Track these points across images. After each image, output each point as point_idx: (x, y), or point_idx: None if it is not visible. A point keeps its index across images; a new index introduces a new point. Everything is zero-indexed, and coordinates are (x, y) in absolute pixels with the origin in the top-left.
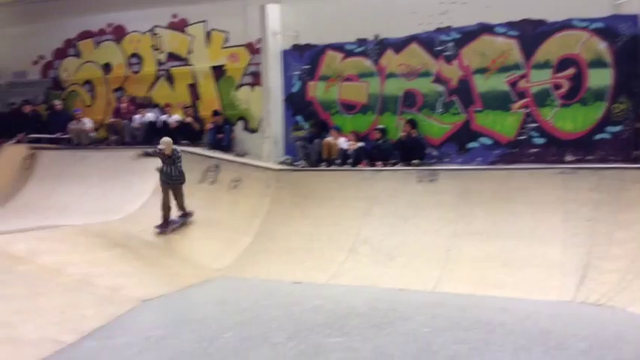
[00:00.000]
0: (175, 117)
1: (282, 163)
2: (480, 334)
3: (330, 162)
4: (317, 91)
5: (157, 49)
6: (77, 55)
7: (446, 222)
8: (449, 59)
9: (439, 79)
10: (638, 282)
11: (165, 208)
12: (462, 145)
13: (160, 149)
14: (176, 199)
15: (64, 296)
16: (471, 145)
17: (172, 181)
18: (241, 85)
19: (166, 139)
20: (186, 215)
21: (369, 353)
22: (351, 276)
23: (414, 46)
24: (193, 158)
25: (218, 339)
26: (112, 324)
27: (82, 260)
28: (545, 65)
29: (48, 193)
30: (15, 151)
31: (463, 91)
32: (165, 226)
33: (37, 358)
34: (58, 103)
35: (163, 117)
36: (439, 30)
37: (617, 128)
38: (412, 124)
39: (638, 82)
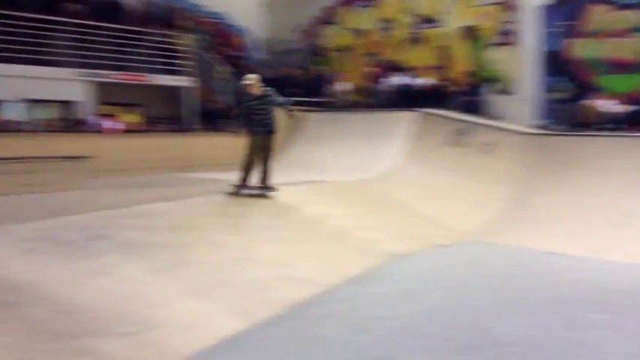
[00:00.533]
0: (420, 80)
1: (537, 127)
2: None
3: (591, 126)
4: (579, 49)
5: (408, 12)
6: (334, 22)
7: None
8: None
9: None
10: None
11: (247, 167)
12: None
13: (245, 86)
14: (263, 155)
15: (327, 244)
16: None
17: (263, 129)
18: (493, 45)
19: (253, 75)
20: (266, 188)
21: (638, 334)
22: (617, 252)
23: None
24: (441, 121)
25: (469, 299)
26: (368, 273)
27: (341, 213)
28: None
29: (310, 152)
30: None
31: None
32: (240, 189)
33: (306, 295)
34: (317, 69)
35: (408, 80)
36: None
37: None
38: None
39: None
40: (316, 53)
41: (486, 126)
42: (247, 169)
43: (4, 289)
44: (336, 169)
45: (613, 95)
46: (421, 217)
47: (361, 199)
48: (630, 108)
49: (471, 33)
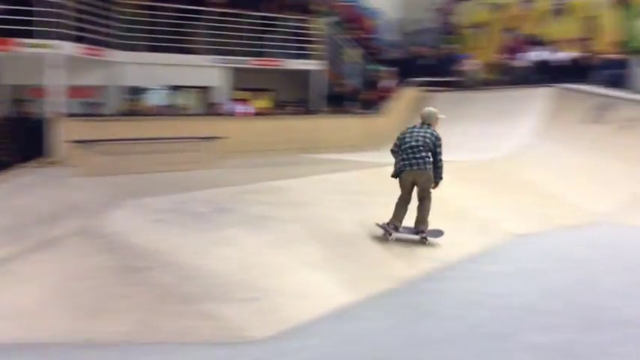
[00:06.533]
0: (561, 54)
1: None
2: None
3: None
4: None
5: None
6: None
7: None
8: None
9: None
10: None
11: (401, 206)
12: None
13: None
14: (420, 199)
15: (449, 222)
16: None
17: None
18: None
19: (427, 110)
20: (421, 232)
21: None
22: None
23: None
24: (579, 97)
25: (597, 280)
26: (487, 252)
27: (464, 193)
28: None
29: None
30: (412, 94)
31: None
32: (390, 230)
33: (424, 271)
34: (448, 48)
35: (547, 54)
36: None
37: None
38: None
39: None
40: (450, 32)
41: (631, 100)
42: (395, 213)
43: (135, 255)
44: (464, 149)
45: None
46: (549, 196)
47: (487, 179)
48: None
49: (621, 1)
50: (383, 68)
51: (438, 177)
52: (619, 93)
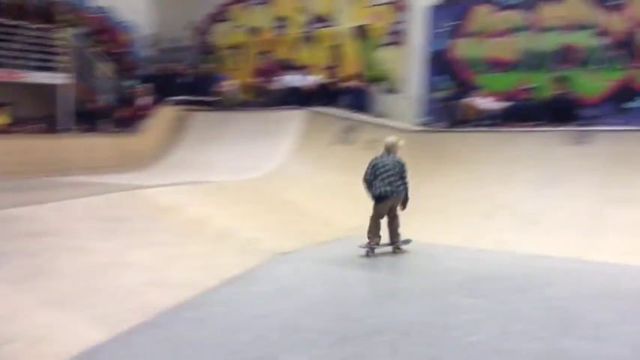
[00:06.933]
0: (311, 78)
1: (421, 124)
2: (629, 303)
3: (470, 123)
4: (462, 48)
5: (302, 11)
6: (227, 19)
7: (595, 187)
8: (614, 9)
9: (600, 32)
10: None
11: (376, 225)
12: (620, 104)
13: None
14: (392, 217)
15: (207, 246)
16: (632, 104)
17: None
18: (383, 45)
19: (390, 140)
20: (394, 243)
21: (505, 315)
22: (487, 240)
23: None
24: (328, 119)
25: (350, 292)
26: (250, 273)
27: (225, 214)
28: None
29: (197, 152)
30: (170, 112)
31: (627, 45)
32: (373, 247)
33: (181, 299)
34: (206, 67)
35: (298, 78)
36: None
37: None
38: (563, 81)
39: None
40: (207, 51)
41: (372, 124)
42: (374, 232)
43: None
44: (222, 170)
45: (491, 93)
46: (308, 215)
47: (247, 199)
48: (506, 105)
49: (362, 33)
50: (139, 85)
51: (406, 199)
52: (362, 117)
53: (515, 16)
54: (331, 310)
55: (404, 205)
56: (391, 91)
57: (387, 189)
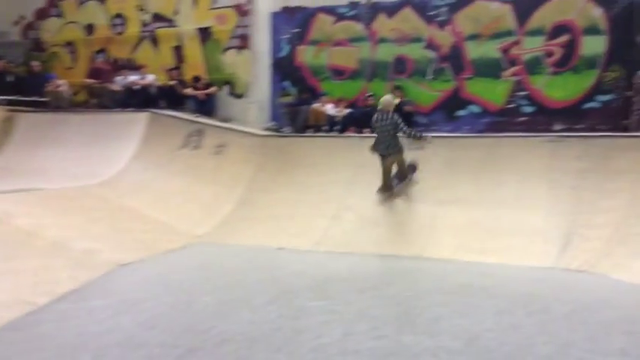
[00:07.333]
0: (150, 77)
1: (268, 129)
2: (462, 297)
3: (317, 128)
4: (306, 55)
5: (141, 10)
6: (59, 15)
7: (431, 189)
8: (442, 25)
9: (431, 45)
10: (621, 249)
11: (386, 173)
12: (450, 112)
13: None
14: (398, 163)
15: (39, 259)
16: (460, 112)
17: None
18: (228, 49)
19: (385, 99)
20: (406, 179)
21: (351, 315)
22: (335, 242)
23: (407, 11)
24: (175, 122)
25: (196, 302)
26: (87, 287)
27: (58, 224)
28: (538, 32)
29: (26, 157)
30: None
31: (454, 58)
32: (391, 190)
33: (7, 319)
34: (36, 65)
35: (142, 80)
36: None
37: (607, 97)
38: (400, 90)
39: (632, 50)
40: (37, 48)
41: (219, 128)
42: (386, 178)
43: None
44: (57, 176)
45: (335, 100)
46: (151, 222)
47: (85, 208)
48: (348, 111)
49: (206, 35)
50: None
51: (415, 136)
52: (208, 120)
53: (354, 27)
54: (176, 322)
55: (419, 137)
56: (237, 95)
57: (384, 152)
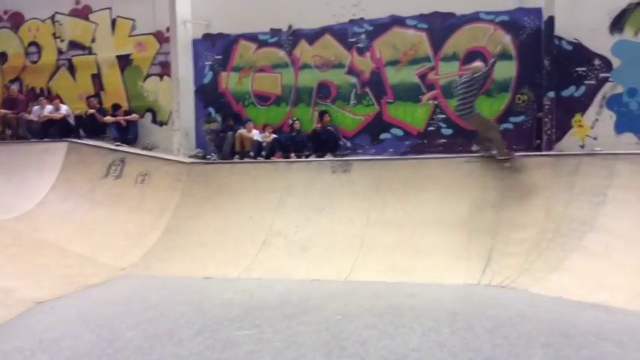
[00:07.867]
0: (64, 108)
1: (193, 156)
2: (390, 318)
3: (243, 154)
4: (229, 82)
5: (57, 38)
6: None
7: (359, 211)
8: (361, 51)
9: (352, 71)
10: (538, 264)
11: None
12: (374, 136)
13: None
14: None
15: None
16: (384, 136)
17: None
18: (149, 76)
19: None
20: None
21: (279, 344)
22: (264, 269)
23: (328, 38)
24: (95, 151)
25: (119, 339)
26: (1, 328)
27: None
28: (453, 57)
29: None
30: None
31: (375, 83)
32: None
33: None
34: None
35: (59, 109)
36: (352, 22)
37: (520, 118)
38: (325, 115)
39: (540, 73)
40: None
41: (142, 156)
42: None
43: None
44: None
45: (260, 125)
46: (72, 256)
47: (0, 244)
48: (274, 137)
49: (125, 62)
50: None
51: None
52: (130, 149)
53: (276, 53)
54: None
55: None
56: (161, 122)
57: (458, 113)
